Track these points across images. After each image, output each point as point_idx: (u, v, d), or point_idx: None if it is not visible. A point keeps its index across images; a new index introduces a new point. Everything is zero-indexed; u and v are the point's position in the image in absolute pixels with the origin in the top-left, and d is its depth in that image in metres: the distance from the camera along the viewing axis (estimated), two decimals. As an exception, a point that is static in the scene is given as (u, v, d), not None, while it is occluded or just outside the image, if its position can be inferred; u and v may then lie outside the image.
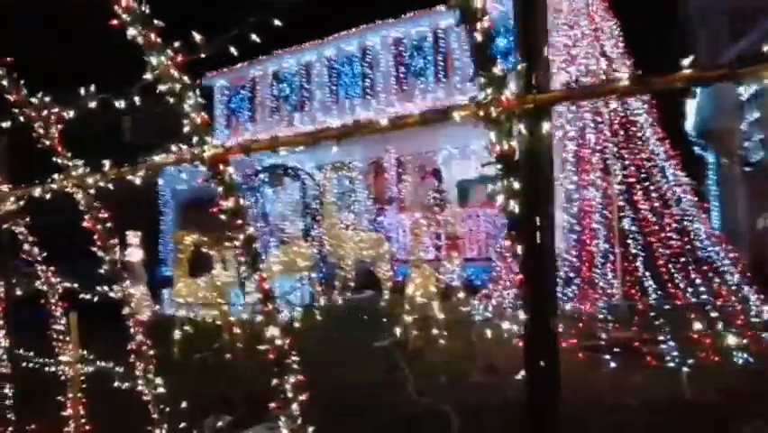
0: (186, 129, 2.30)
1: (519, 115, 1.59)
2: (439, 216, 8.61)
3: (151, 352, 3.28)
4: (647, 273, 7.69)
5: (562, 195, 8.60)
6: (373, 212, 15.15)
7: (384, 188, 15.33)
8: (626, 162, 8.09)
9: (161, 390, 3.30)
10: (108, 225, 3.29)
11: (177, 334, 7.54)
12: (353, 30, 15.90)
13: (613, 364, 5.87)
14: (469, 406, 5.27)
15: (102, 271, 3.29)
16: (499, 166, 1.67)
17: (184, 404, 3.82)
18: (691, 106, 14.09)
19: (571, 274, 8.38)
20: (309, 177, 13.63)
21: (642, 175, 7.99)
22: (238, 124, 18.77)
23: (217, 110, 19.17)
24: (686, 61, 1.33)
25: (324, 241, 11.23)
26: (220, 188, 2.50)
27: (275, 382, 2.56)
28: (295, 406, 2.64)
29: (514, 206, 1.64)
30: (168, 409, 3.46)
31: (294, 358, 2.58)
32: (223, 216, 2.55)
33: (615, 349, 6.04)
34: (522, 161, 1.62)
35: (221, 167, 2.41)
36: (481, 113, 1.54)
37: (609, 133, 7.89)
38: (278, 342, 2.54)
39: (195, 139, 2.41)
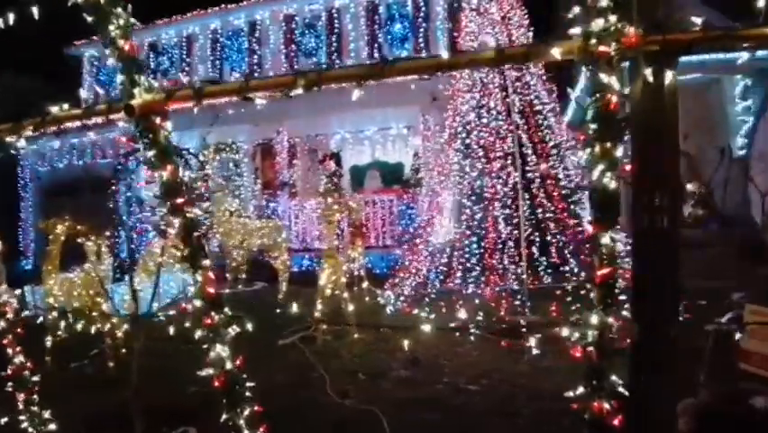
0: (109, 61, 1.64)
1: (638, 58, 1.19)
2: (351, 203, 8.13)
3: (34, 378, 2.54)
4: (551, 259, 7.89)
5: (465, 183, 8.58)
6: (262, 198, 14.29)
7: (274, 171, 14.48)
8: (531, 151, 8.21)
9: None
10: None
11: (49, 340, 6.35)
12: (242, 2, 14.79)
13: (535, 351, 5.82)
14: (395, 403, 4.94)
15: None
16: (594, 126, 1.25)
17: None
18: (572, 99, 14.88)
19: (473, 261, 8.42)
20: (194, 157, 12.44)
21: (547, 163, 8.16)
22: (108, 98, 16.80)
23: (85, 83, 17.02)
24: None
25: (214, 228, 10.24)
26: (151, 152, 1.83)
27: (226, 415, 1.97)
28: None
29: (609, 180, 1.23)
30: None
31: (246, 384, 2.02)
32: (151, 191, 1.90)
33: (536, 335, 6.00)
34: (636, 120, 1.21)
35: (155, 120, 1.76)
36: (598, 48, 1.12)
37: (514, 120, 7.90)
38: (228, 365, 1.95)
39: (120, 79, 1.73)
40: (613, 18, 1.13)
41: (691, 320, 5.88)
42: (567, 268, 8.31)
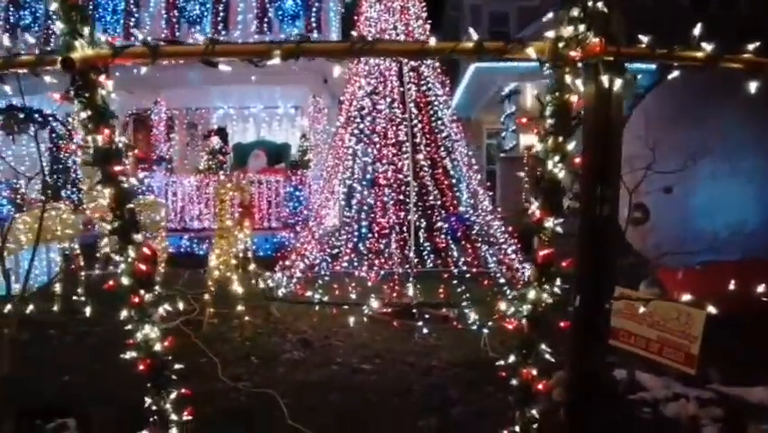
0: (52, 6, 1.48)
1: (597, 64, 1.34)
2: (243, 182, 7.87)
3: None
4: (436, 245, 8.30)
5: (358, 168, 8.72)
6: (135, 172, 13.35)
7: (150, 145, 13.57)
8: (423, 140, 8.51)
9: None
10: None
11: None
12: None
13: (425, 330, 6.11)
14: (290, 384, 4.96)
15: None
16: (551, 121, 1.40)
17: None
18: (457, 93, 15.57)
19: (360, 245, 8.62)
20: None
21: (437, 153, 8.52)
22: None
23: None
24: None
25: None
26: (85, 113, 1.70)
27: (150, 399, 1.90)
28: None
29: (560, 170, 1.39)
30: None
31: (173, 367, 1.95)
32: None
33: (425, 315, 6.30)
34: (587, 118, 1.38)
35: (95, 78, 1.64)
36: (567, 51, 1.26)
37: (408, 109, 8.14)
38: (157, 347, 1.88)
39: (60, 28, 1.58)
40: (582, 27, 1.27)
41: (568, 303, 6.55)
42: (450, 253, 8.78)
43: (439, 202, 8.69)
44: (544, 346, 1.51)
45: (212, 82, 12.44)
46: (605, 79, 1.31)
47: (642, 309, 3.61)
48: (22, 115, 10.15)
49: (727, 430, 4.06)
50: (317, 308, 7.03)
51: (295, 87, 12.88)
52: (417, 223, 8.30)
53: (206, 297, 6.80)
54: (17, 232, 7.41)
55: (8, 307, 4.71)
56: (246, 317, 6.79)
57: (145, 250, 1.83)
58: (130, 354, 1.92)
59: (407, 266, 7.95)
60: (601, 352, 1.41)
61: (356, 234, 8.59)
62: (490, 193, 9.51)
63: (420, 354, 5.76)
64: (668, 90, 9.99)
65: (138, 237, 1.83)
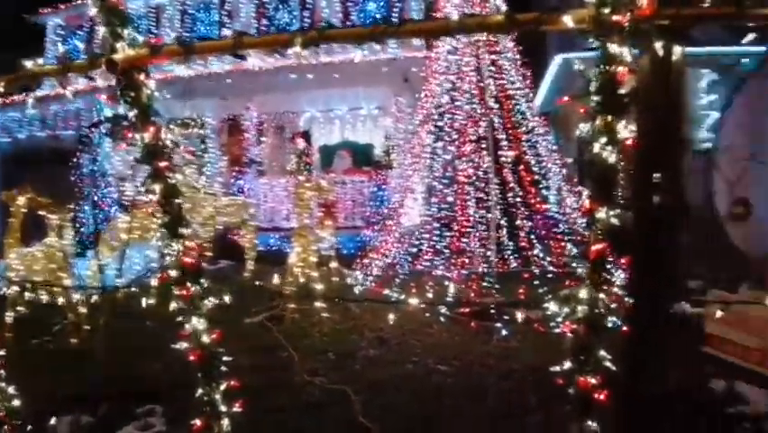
0: (93, 11, 1.53)
1: (650, 30, 1.17)
2: (322, 182, 8.02)
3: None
4: (520, 244, 8.00)
5: (437, 166, 8.59)
6: (228, 175, 14.02)
7: (242, 149, 14.20)
8: (504, 135, 8.25)
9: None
10: None
11: (9, 315, 6.09)
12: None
13: (504, 332, 5.89)
14: (365, 382, 4.95)
15: None
16: (598, 98, 1.23)
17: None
18: (543, 86, 14.99)
19: (443, 243, 8.46)
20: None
21: (520, 149, 8.23)
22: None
23: (49, 52, 16.25)
24: None
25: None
26: (132, 112, 1.74)
27: (201, 389, 1.91)
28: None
29: (610, 153, 1.22)
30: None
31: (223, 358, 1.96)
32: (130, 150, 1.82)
33: (504, 316, 6.08)
34: (643, 94, 1.20)
35: (138, 77, 1.67)
36: (611, 17, 1.10)
37: (488, 104, 7.90)
38: (204, 338, 1.89)
39: (102, 32, 1.62)
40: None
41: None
42: (534, 252, 8.43)
43: (521, 199, 8.36)
44: (603, 352, 1.34)
45: (299, 87, 12.82)
46: (659, 47, 1.14)
47: (719, 313, 3.23)
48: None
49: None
50: (395, 306, 6.98)
51: (377, 89, 12.99)
52: (499, 221, 8.05)
53: (287, 292, 6.97)
54: (118, 231, 8.02)
55: (103, 298, 5.09)
56: (325, 314, 6.89)
57: (190, 243, 1.85)
58: (181, 345, 1.95)
59: (488, 265, 7.72)
60: (660, 363, 1.23)
61: (436, 232, 8.46)
62: (579, 188, 9.02)
63: (499, 357, 5.56)
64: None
65: (185, 231, 1.86)
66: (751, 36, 1.22)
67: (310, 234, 7.34)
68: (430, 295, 7.22)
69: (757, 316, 3.54)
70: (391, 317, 6.72)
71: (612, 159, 1.22)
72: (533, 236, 8.51)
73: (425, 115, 8.62)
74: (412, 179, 8.97)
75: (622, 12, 1.14)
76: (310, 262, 7.15)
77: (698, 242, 5.99)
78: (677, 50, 1.19)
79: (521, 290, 7.26)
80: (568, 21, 1.19)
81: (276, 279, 7.34)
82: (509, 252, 8.46)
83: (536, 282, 7.49)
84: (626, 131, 1.20)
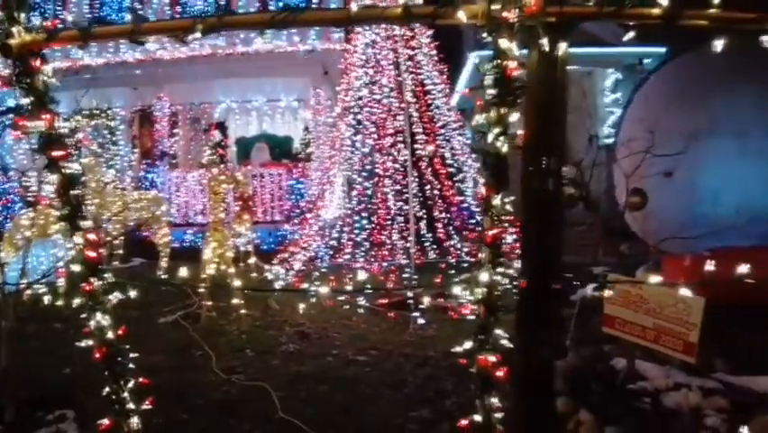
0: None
1: (536, 27, 1.23)
2: (239, 175, 7.83)
3: None
4: (437, 235, 8.20)
5: (356, 159, 8.62)
6: (139, 168, 13.39)
7: (153, 141, 13.59)
8: (421, 129, 8.40)
9: None
10: None
11: None
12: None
13: (421, 321, 6.03)
14: (284, 377, 4.91)
15: None
16: (492, 91, 1.28)
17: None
18: (459, 83, 15.38)
19: (363, 236, 8.53)
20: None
21: (436, 143, 8.41)
22: None
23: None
24: None
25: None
26: (26, 99, 1.63)
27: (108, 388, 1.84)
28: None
29: (503, 143, 1.28)
30: None
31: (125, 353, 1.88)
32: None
33: (421, 306, 6.21)
34: (530, 88, 1.27)
35: (34, 63, 1.56)
36: (501, 13, 1.15)
37: (405, 98, 8.00)
38: (109, 334, 1.81)
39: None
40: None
41: (560, 290, 6.42)
42: (451, 243, 8.68)
43: (438, 192, 8.57)
44: (500, 332, 1.41)
45: (214, 77, 12.42)
46: (546, 43, 1.20)
47: (607, 293, 3.48)
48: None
49: (731, 421, 3.92)
50: (314, 300, 6.96)
51: (296, 80, 12.83)
52: (418, 214, 8.19)
53: (202, 290, 6.77)
54: (22, 228, 7.46)
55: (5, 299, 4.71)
56: (243, 311, 6.76)
57: (92, 236, 1.76)
58: (86, 343, 1.85)
59: (407, 257, 7.85)
60: (550, 338, 1.31)
61: (356, 225, 8.51)
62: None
63: (416, 346, 5.69)
64: (672, 72, 9.78)
65: (87, 223, 1.76)
66: (631, 34, 1.33)
67: (226, 230, 7.16)
68: (350, 288, 7.25)
69: (652, 297, 3.82)
70: (311, 311, 6.71)
71: (505, 148, 1.28)
72: (450, 228, 8.75)
73: (343, 107, 8.62)
74: (331, 171, 8.96)
75: (511, 8, 1.20)
76: (226, 258, 6.97)
77: (601, 229, 6.39)
78: (562, 47, 1.27)
79: (438, 280, 7.45)
80: (462, 16, 1.24)
81: (191, 276, 7.11)
82: (428, 243, 8.66)
83: (453, 272, 7.71)
84: (517, 122, 1.27)
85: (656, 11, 1.19)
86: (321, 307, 6.84)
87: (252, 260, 8.86)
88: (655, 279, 3.82)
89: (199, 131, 13.84)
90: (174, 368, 5.14)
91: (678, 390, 4.35)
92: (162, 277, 8.87)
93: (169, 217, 10.36)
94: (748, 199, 7.49)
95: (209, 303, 6.81)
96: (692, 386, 4.36)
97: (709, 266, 4.58)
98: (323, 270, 8.20)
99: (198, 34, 1.46)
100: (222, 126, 12.76)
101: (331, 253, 8.56)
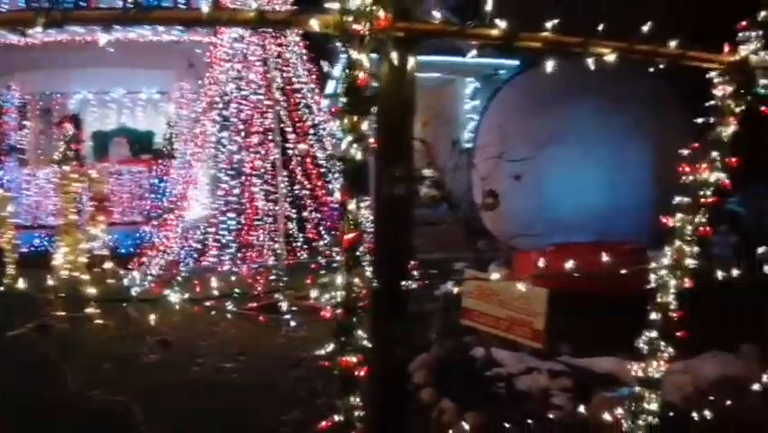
0: None
1: (386, 40, 1.31)
2: (92, 172, 7.23)
3: None
4: (308, 235, 8.20)
5: (223, 156, 8.38)
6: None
7: (1, 135, 12.17)
8: (290, 128, 8.35)
9: None
10: None
11: None
12: None
13: (293, 323, 6.00)
14: (146, 390, 4.66)
15: None
16: (346, 99, 1.34)
17: None
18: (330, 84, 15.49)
19: (230, 237, 8.32)
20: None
21: (305, 141, 8.40)
22: None
23: None
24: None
25: None
26: None
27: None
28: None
29: (357, 150, 1.35)
30: None
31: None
32: None
33: (292, 308, 6.19)
34: (381, 98, 1.35)
35: None
36: (353, 25, 1.20)
37: (274, 96, 7.91)
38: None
39: None
40: (359, 2, 1.23)
41: (424, 287, 6.71)
42: (322, 243, 8.70)
43: (309, 192, 8.56)
44: (361, 333, 1.47)
45: (69, 65, 11.41)
46: (395, 57, 1.28)
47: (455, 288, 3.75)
48: None
49: (575, 399, 4.36)
50: (177, 306, 6.64)
51: (159, 71, 12.19)
52: (287, 213, 8.13)
53: (54, 299, 6.20)
54: None
55: None
56: (99, 320, 6.28)
57: None
58: None
59: (276, 259, 7.76)
60: (403, 335, 1.40)
61: (223, 226, 8.25)
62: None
63: (288, 348, 5.68)
64: (523, 84, 10.68)
65: None
66: (474, 52, 1.45)
67: (78, 232, 6.60)
68: (216, 292, 7.02)
69: (503, 290, 4.16)
70: (175, 318, 6.41)
71: (359, 155, 1.34)
72: (321, 228, 8.78)
73: (209, 102, 8.31)
74: (196, 169, 8.60)
75: (362, 21, 1.25)
76: (79, 264, 6.43)
77: (462, 228, 6.80)
78: (411, 60, 1.35)
79: (309, 281, 7.45)
80: (314, 24, 1.27)
81: (41, 284, 6.47)
82: (298, 243, 8.62)
83: (324, 272, 7.74)
84: (369, 130, 1.33)
85: (495, 32, 1.32)
86: (185, 313, 6.54)
87: (108, 265, 8.24)
88: (502, 273, 4.15)
89: (52, 124, 12.62)
90: (26, 385, 4.71)
91: (529, 373, 4.77)
92: (7, 284, 7.98)
93: (17, 219, 9.32)
94: (586, 200, 8.44)
95: (61, 313, 6.25)
96: (541, 369, 4.80)
97: (553, 260, 5.08)
98: (186, 274, 7.84)
99: (39, 28, 1.35)
100: (75, 119, 11.78)
101: (195, 255, 8.21)
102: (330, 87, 10.91)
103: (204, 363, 5.34)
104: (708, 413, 3.66)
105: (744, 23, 1.69)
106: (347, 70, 1.30)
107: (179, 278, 7.63)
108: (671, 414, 3.45)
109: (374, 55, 1.36)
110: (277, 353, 5.56)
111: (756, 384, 3.47)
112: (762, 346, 4.30)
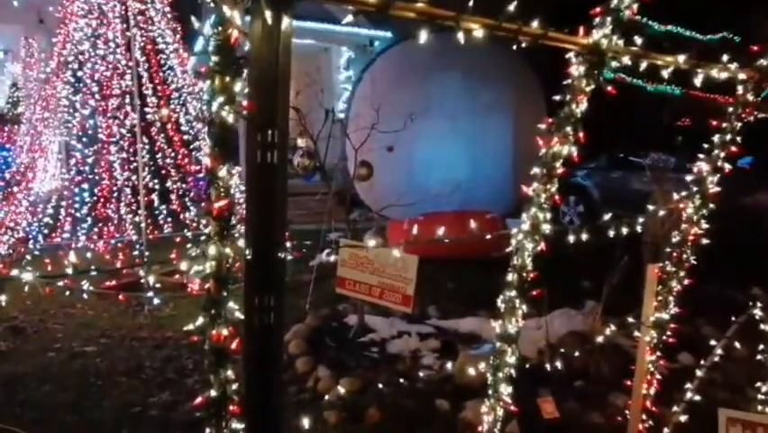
0: None
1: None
2: None
3: None
4: (172, 207, 7.78)
5: (75, 122, 7.63)
6: None
7: None
8: (152, 92, 7.78)
9: None
10: None
11: None
12: None
13: (156, 301, 5.69)
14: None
15: None
16: (216, 58, 1.27)
17: None
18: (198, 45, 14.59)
19: (85, 211, 7.67)
20: None
21: (168, 106, 7.87)
22: None
23: None
24: None
25: None
26: None
27: None
28: None
29: (227, 114, 1.29)
30: None
31: None
32: None
33: (156, 285, 5.86)
34: (253, 59, 1.29)
35: None
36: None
37: (134, 56, 7.29)
38: None
39: None
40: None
41: (300, 258, 6.68)
42: (188, 216, 8.29)
43: (172, 161, 8.06)
44: (232, 304, 1.41)
45: None
46: (269, 16, 1.22)
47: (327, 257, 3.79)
48: None
49: (442, 357, 4.63)
50: (27, 288, 6.00)
51: (4, 27, 10.83)
52: (149, 184, 7.60)
53: None
54: None
55: None
56: None
57: None
58: None
59: (137, 233, 7.26)
60: (279, 304, 1.37)
61: (76, 199, 7.52)
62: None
63: (152, 327, 5.39)
64: (396, 56, 10.88)
65: None
66: (350, 17, 1.43)
67: None
68: (70, 271, 6.43)
69: (376, 258, 4.25)
70: (26, 301, 5.82)
71: (230, 119, 1.27)
72: (186, 199, 8.35)
73: (60, 62, 7.44)
74: (45, 136, 7.73)
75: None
76: None
77: (335, 198, 6.83)
78: (285, 21, 1.30)
79: (173, 256, 7.08)
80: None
81: None
82: (161, 216, 8.14)
83: (190, 246, 7.40)
84: (241, 92, 1.27)
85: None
86: (36, 296, 5.94)
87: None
88: (377, 242, 4.24)
89: None
90: None
91: (400, 337, 4.97)
92: None
93: None
94: (453, 172, 8.89)
95: None
96: (411, 333, 5.03)
97: (422, 228, 5.31)
98: (36, 252, 7.10)
99: None
100: None
101: (45, 231, 7.45)
102: (199, 44, 10.30)
103: (60, 348, 4.91)
104: (558, 364, 4.08)
105: (598, 9, 1.85)
106: (218, 27, 1.21)
107: (28, 256, 6.90)
108: (527, 366, 3.79)
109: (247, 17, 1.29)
110: (140, 333, 5.24)
111: (599, 337, 3.92)
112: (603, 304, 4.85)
